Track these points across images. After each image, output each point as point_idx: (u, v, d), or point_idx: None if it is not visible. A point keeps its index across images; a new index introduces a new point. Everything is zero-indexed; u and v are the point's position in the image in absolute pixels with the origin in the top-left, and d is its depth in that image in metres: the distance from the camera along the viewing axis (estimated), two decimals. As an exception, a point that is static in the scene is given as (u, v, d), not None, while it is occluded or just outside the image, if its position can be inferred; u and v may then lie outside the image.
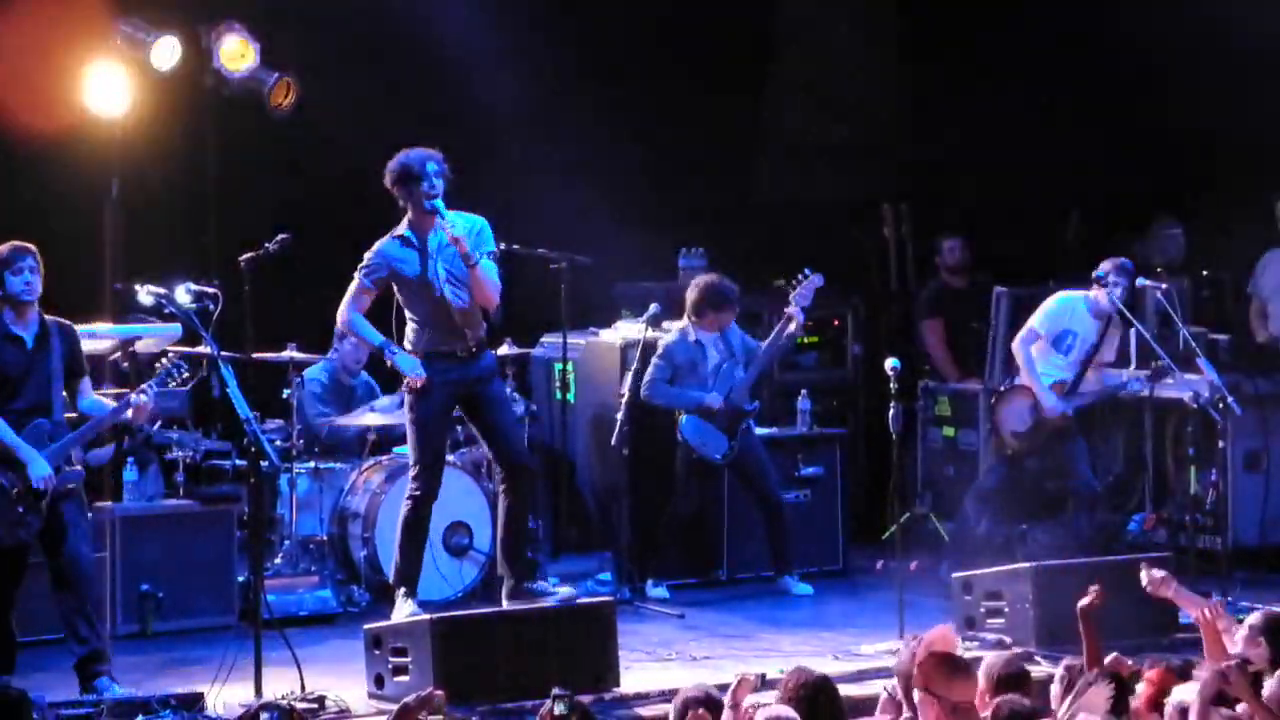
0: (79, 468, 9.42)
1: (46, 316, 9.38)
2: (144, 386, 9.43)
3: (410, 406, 10.60)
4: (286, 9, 12.75)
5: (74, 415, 9.55)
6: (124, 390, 9.89)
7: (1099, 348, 12.13)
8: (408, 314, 10.62)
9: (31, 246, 9.36)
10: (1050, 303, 12.15)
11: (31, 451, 9.17)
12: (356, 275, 10.57)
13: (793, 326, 11.86)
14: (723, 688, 7.28)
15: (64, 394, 9.39)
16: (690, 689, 7.20)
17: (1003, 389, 12.35)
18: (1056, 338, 12.12)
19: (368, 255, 10.57)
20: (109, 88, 12.05)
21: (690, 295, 11.91)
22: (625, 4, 13.97)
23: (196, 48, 12.22)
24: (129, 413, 9.46)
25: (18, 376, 9.24)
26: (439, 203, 10.43)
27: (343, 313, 10.64)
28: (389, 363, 10.58)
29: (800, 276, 11.83)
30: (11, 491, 9.13)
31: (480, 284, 10.49)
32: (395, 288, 10.59)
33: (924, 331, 13.87)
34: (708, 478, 11.96)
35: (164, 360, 9.55)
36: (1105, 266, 11.97)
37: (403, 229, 10.57)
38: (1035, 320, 12.14)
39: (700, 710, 6.98)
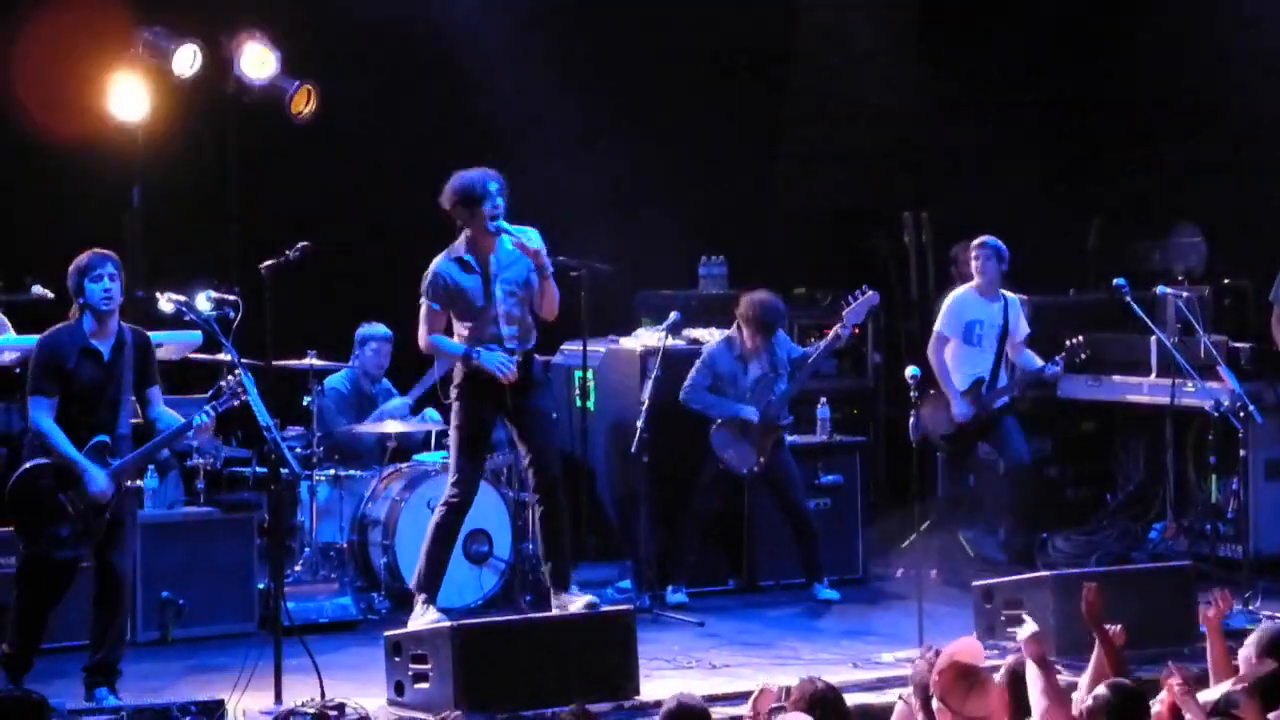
0: (140, 482, 9.40)
1: (124, 324, 9.30)
2: (206, 408, 9.32)
3: (454, 413, 10.59)
4: (307, 17, 12.78)
5: (137, 420, 9.48)
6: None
7: (1007, 329, 12.20)
8: (458, 325, 10.58)
9: (112, 253, 9.27)
10: (945, 304, 12.40)
11: (92, 467, 9.12)
12: (423, 301, 10.51)
13: (839, 343, 11.86)
14: (743, 695, 7.28)
15: (133, 402, 9.31)
16: (670, 701, 7.16)
17: (928, 395, 12.24)
18: (965, 333, 12.26)
19: (428, 279, 10.50)
20: (131, 95, 12.08)
21: (742, 310, 11.83)
22: (645, 13, 13.98)
23: (218, 55, 12.24)
24: (190, 433, 9.43)
25: (93, 392, 9.16)
26: (503, 222, 10.44)
27: (423, 339, 10.56)
28: (476, 365, 10.39)
29: (858, 293, 11.80)
30: (69, 509, 9.12)
31: (550, 295, 10.59)
32: (451, 307, 10.55)
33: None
34: (732, 486, 11.96)
35: (227, 379, 9.38)
36: (970, 250, 12.35)
37: (461, 251, 10.50)
38: (938, 325, 12.39)
39: None
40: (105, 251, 9.28)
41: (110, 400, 9.22)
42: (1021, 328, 12.30)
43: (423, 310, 10.54)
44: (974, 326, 12.30)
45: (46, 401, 9.13)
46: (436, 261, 10.55)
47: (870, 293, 11.82)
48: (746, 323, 11.82)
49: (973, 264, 12.32)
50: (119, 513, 9.23)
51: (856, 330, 12.08)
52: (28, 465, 9.16)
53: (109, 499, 9.13)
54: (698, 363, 11.88)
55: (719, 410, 11.81)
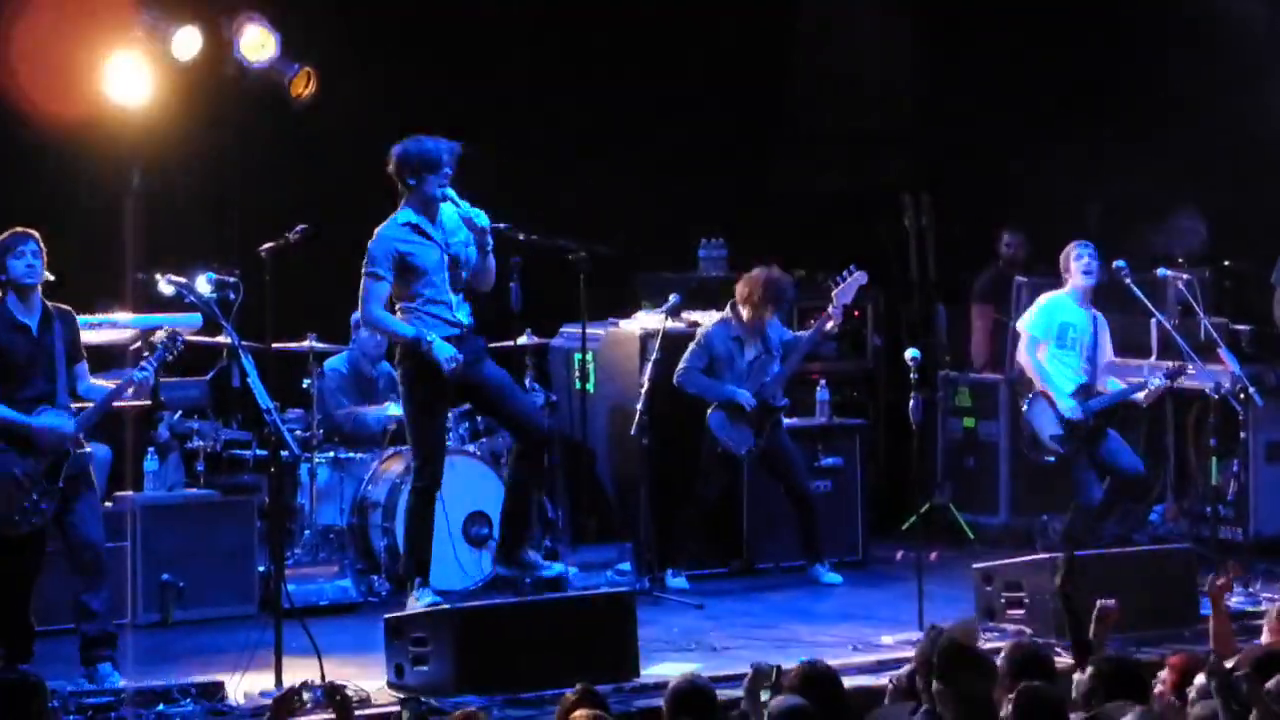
0: (89, 449, 9.42)
1: (47, 303, 9.35)
2: (142, 363, 9.37)
3: (409, 397, 10.48)
4: (307, -1, 12.77)
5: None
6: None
7: (1096, 344, 11.87)
8: (402, 303, 10.48)
9: (34, 232, 9.31)
10: (1037, 305, 11.99)
11: (45, 416, 9.12)
12: (369, 271, 10.36)
13: (830, 325, 11.84)
14: (742, 678, 7.28)
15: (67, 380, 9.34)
16: (679, 680, 7.19)
17: (1030, 398, 11.95)
18: (1060, 336, 11.88)
19: (374, 249, 10.37)
20: (130, 78, 12.05)
21: (745, 288, 11.80)
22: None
23: (217, 38, 12.22)
24: (130, 390, 9.42)
25: (25, 364, 9.21)
26: (451, 191, 10.40)
27: (367, 314, 10.46)
28: (425, 351, 10.35)
29: (845, 274, 11.79)
30: (24, 479, 9.12)
31: (489, 270, 10.53)
32: (397, 275, 10.47)
33: (973, 315, 13.89)
34: (732, 468, 11.96)
35: (158, 334, 9.45)
36: (1070, 252, 11.82)
37: (410, 216, 10.45)
38: (1028, 327, 11.97)
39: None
40: (27, 230, 9.31)
41: (46, 372, 9.24)
42: (1108, 349, 11.93)
43: (367, 283, 10.35)
44: (1067, 329, 11.86)
45: None
46: (382, 230, 10.43)
47: (858, 273, 11.81)
48: (752, 300, 11.78)
49: (1074, 265, 11.78)
50: (71, 479, 9.21)
51: (856, 314, 12.05)
52: None
53: (70, 438, 9.13)
54: (692, 344, 11.88)
55: (714, 393, 11.79)
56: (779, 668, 7.23)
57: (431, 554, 10.65)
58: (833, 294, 11.78)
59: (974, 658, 6.88)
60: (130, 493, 10.91)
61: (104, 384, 9.54)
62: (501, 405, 10.63)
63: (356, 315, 12.16)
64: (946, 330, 14.44)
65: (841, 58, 14.94)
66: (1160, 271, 12.34)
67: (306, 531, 11.46)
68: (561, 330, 12.63)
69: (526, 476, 10.66)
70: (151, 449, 11.14)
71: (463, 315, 10.47)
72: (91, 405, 9.36)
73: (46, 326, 9.29)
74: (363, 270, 10.43)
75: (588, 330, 12.16)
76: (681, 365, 11.80)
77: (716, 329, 11.91)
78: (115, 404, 9.56)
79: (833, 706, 7.11)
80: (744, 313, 11.82)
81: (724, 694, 7.45)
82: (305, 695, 7.84)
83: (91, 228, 12.13)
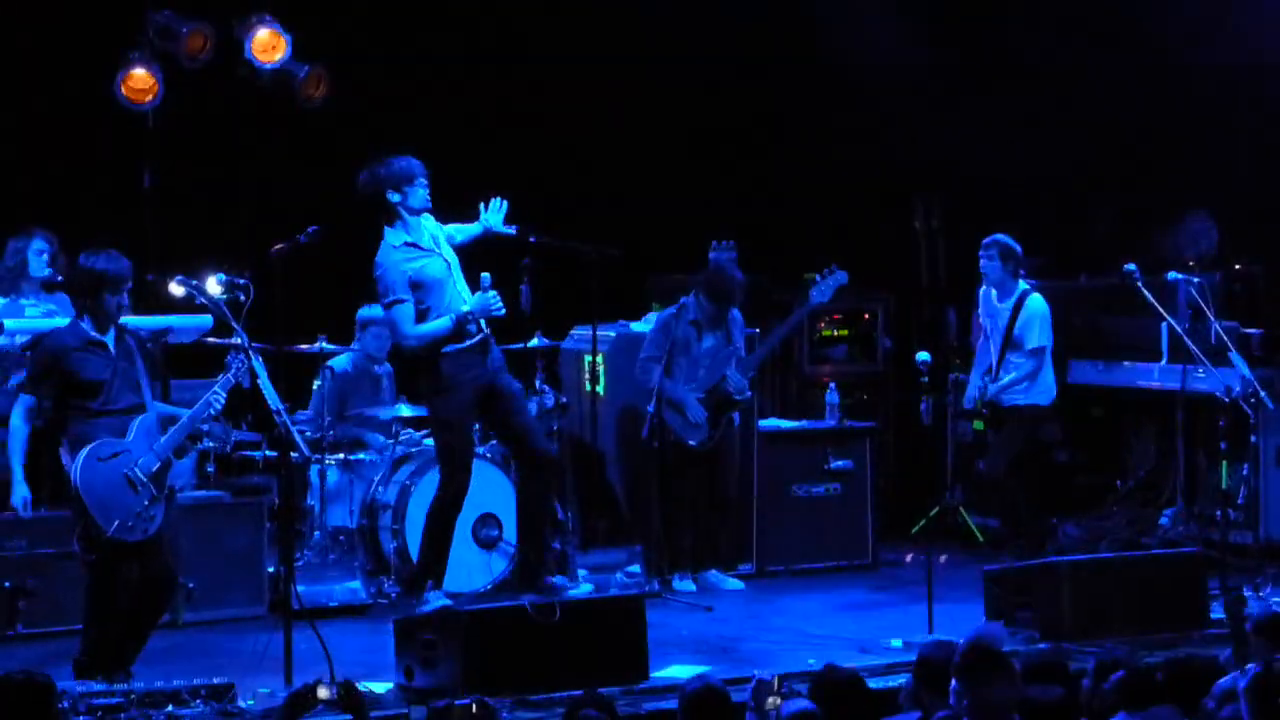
0: (187, 460, 9.38)
1: (120, 325, 9.23)
2: (220, 382, 9.25)
3: (434, 407, 10.51)
4: (318, 1, 12.79)
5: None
6: (155, 381, 9.83)
7: (1011, 329, 11.92)
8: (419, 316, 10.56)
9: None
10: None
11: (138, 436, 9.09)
12: (391, 300, 10.37)
13: (797, 320, 11.90)
14: (748, 681, 7.29)
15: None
16: (692, 681, 7.19)
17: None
18: (982, 324, 12.21)
19: (385, 279, 10.38)
20: (141, 79, 12.09)
21: (701, 278, 11.85)
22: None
23: (228, 40, 12.26)
24: (210, 415, 9.34)
25: (108, 380, 9.08)
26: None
27: (411, 336, 10.47)
28: (471, 320, 10.37)
29: (824, 272, 11.79)
30: (135, 482, 9.03)
31: None
32: (416, 292, 10.53)
33: (974, 327, 13.92)
34: (690, 459, 11.82)
35: (231, 358, 9.29)
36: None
37: (400, 236, 10.44)
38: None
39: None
40: (126, 264, 9.19)
41: (133, 386, 9.14)
42: (1029, 336, 11.92)
43: (393, 312, 10.39)
44: (986, 323, 12.12)
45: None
46: (383, 260, 10.41)
47: (838, 272, 11.80)
48: (703, 291, 11.73)
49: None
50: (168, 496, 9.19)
51: (866, 317, 12.02)
52: (87, 448, 8.99)
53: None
54: (649, 331, 11.82)
55: (668, 393, 11.64)
56: (780, 677, 7.22)
57: (446, 561, 10.66)
58: (809, 292, 11.77)
59: (996, 664, 6.85)
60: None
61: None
62: (512, 423, 10.65)
63: (360, 314, 12.15)
64: (956, 333, 14.46)
65: (853, 58, 14.94)
66: (1170, 275, 12.33)
67: (316, 533, 11.47)
68: (572, 332, 12.63)
69: (535, 500, 10.67)
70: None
71: (480, 322, 10.51)
72: (178, 425, 9.21)
73: (121, 344, 9.17)
74: (382, 303, 10.49)
75: (598, 332, 12.17)
76: (640, 355, 11.72)
77: (668, 313, 11.79)
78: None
79: (854, 712, 7.11)
80: (704, 300, 11.78)
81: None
82: (321, 692, 7.84)
83: (102, 229, 12.13)
